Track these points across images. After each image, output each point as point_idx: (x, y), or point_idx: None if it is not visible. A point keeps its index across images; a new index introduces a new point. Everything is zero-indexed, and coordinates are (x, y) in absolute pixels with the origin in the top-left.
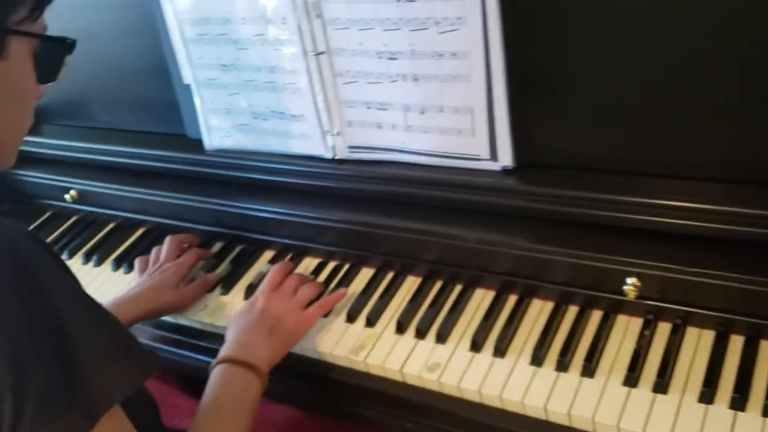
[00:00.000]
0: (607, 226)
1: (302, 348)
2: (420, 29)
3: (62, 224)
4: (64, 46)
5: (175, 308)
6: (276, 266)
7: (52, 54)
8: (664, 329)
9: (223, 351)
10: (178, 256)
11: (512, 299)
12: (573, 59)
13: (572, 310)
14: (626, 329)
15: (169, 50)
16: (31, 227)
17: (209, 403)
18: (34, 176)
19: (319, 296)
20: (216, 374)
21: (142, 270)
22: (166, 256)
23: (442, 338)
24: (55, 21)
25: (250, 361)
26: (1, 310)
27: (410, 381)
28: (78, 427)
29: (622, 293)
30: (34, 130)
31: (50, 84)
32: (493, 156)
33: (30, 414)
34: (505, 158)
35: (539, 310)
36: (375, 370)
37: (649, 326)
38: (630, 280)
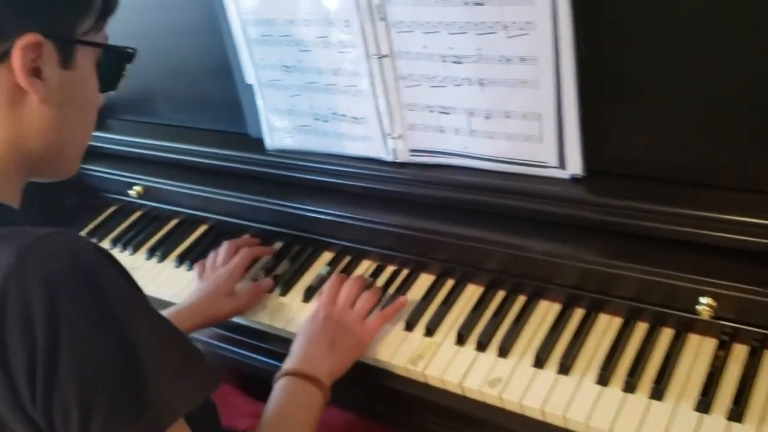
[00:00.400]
0: (680, 241)
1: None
2: (487, 33)
3: (127, 219)
4: (125, 55)
5: (229, 316)
6: (332, 278)
7: (114, 63)
8: (740, 352)
9: (287, 363)
10: None
11: (578, 313)
12: (646, 65)
13: (641, 327)
14: (699, 350)
15: (232, 50)
16: (97, 221)
17: (272, 415)
18: (100, 171)
19: (379, 301)
20: (280, 386)
21: (200, 275)
22: (222, 261)
23: (504, 352)
24: (121, 19)
25: (314, 375)
26: (70, 326)
27: (470, 395)
28: None
29: (695, 312)
30: (101, 125)
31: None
32: (562, 164)
33: (96, 429)
34: (574, 166)
35: (606, 325)
36: (433, 382)
37: (723, 347)
38: (704, 300)
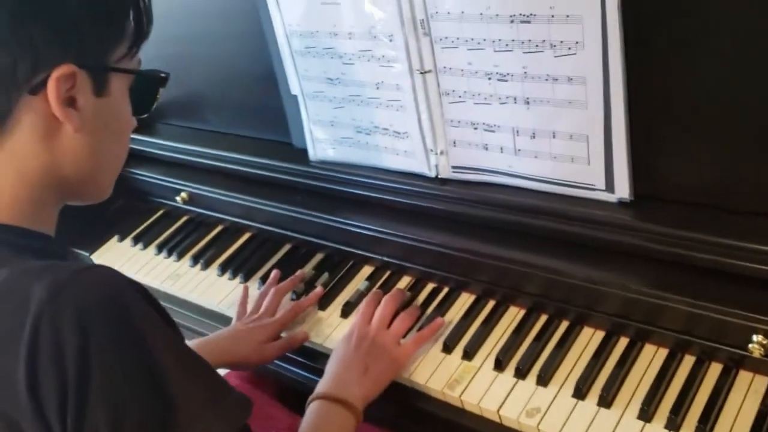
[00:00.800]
0: (733, 274)
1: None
2: (534, 52)
3: (174, 223)
4: (158, 79)
5: (254, 365)
6: (368, 297)
7: (147, 87)
8: None
9: (320, 386)
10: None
11: (623, 342)
12: (699, 86)
13: (688, 360)
14: (749, 388)
15: (277, 60)
16: (144, 225)
17: None
18: (148, 176)
19: (417, 320)
20: (312, 410)
21: (240, 316)
22: (266, 309)
23: (543, 381)
24: (171, 25)
25: (346, 399)
26: (101, 359)
27: (507, 423)
28: None
29: (746, 349)
30: (149, 130)
31: (172, 82)
32: (609, 187)
33: None
34: (623, 190)
35: (651, 356)
36: (470, 408)
37: None
38: (756, 338)
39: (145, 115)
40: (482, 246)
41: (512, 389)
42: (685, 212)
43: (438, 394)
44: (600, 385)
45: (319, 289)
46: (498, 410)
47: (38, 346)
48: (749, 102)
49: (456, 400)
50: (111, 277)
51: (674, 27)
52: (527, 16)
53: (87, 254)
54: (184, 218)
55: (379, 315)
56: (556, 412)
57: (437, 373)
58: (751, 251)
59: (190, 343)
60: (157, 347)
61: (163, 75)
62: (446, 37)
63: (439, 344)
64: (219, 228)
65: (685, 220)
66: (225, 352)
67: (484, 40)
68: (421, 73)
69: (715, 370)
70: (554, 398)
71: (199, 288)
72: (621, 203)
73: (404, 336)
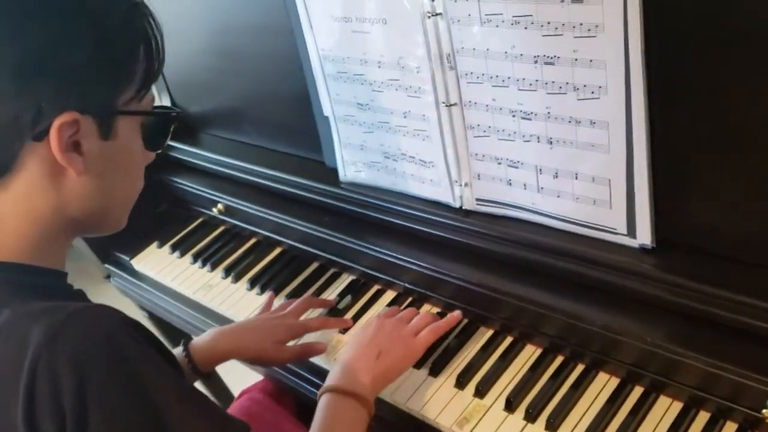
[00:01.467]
0: (754, 335)
1: (408, 406)
2: (557, 93)
3: (211, 233)
4: (169, 117)
5: (268, 362)
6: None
7: (159, 125)
8: None
9: (329, 379)
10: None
11: (637, 391)
12: (726, 130)
13: (703, 416)
14: None
15: (311, 81)
16: (183, 232)
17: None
18: (188, 185)
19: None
20: (322, 404)
21: (267, 307)
22: (292, 311)
23: (552, 426)
24: (207, 38)
25: (355, 390)
26: (98, 404)
27: None
28: None
29: (761, 413)
30: (193, 139)
31: (208, 94)
32: (631, 232)
33: None
34: (644, 236)
35: (665, 408)
36: None
37: None
38: None
39: (159, 151)
40: (502, 283)
41: None
42: (709, 264)
43: (447, 429)
44: None
45: (348, 321)
46: None
47: (36, 389)
48: None
49: None
50: (106, 317)
51: (699, 73)
52: (551, 58)
53: (127, 258)
54: (221, 228)
55: (405, 312)
56: None
57: (448, 408)
58: None
59: (213, 330)
60: (153, 385)
61: (173, 113)
62: (471, 72)
63: (453, 379)
64: (252, 241)
65: (707, 273)
66: (245, 340)
67: (509, 78)
68: (447, 105)
69: (729, 429)
70: None
71: (228, 301)
72: (643, 249)
73: None
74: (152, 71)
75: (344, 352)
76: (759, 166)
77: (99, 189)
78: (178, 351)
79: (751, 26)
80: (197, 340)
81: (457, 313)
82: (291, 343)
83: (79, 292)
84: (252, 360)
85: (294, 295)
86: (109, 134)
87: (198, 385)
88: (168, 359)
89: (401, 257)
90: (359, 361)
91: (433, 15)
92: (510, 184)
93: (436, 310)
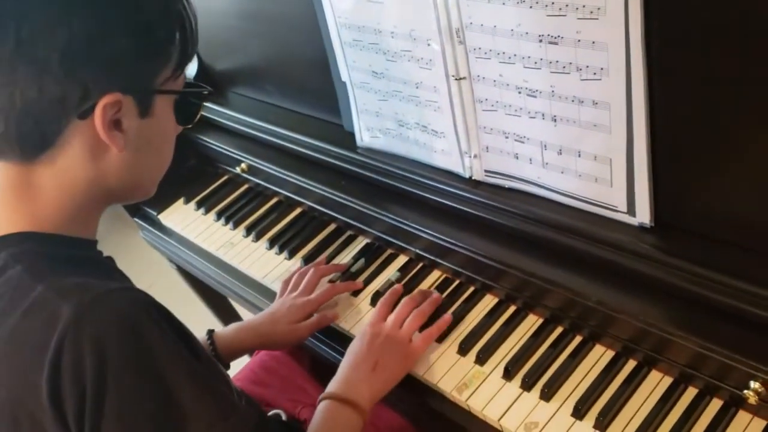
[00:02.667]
0: (746, 319)
1: (413, 369)
2: (561, 72)
3: (235, 191)
4: (201, 95)
5: (288, 345)
6: (386, 295)
7: (192, 102)
8: None
9: (330, 386)
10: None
11: (630, 364)
12: (730, 110)
13: (691, 392)
14: (746, 428)
15: (329, 46)
16: (208, 190)
17: None
18: (214, 144)
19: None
20: (321, 409)
21: (282, 293)
22: (304, 287)
23: (546, 396)
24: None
25: (353, 399)
26: (115, 378)
27: None
28: None
29: (742, 393)
30: (220, 98)
31: (232, 53)
32: (631, 210)
33: None
34: (644, 215)
35: (656, 383)
36: (475, 413)
37: None
38: (754, 384)
39: (190, 125)
40: (507, 255)
41: (516, 400)
42: (707, 247)
43: (447, 395)
44: (599, 407)
45: (358, 283)
46: (499, 419)
47: (61, 363)
48: None
49: (462, 403)
50: (130, 300)
51: (698, 54)
52: (555, 38)
53: (155, 213)
54: (245, 187)
55: (395, 315)
56: (553, 428)
57: (449, 374)
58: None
59: (234, 325)
60: (170, 368)
61: (205, 91)
62: (480, 48)
63: (456, 345)
64: (274, 200)
65: (704, 256)
66: (264, 336)
67: (515, 55)
68: (457, 79)
69: (715, 405)
70: (553, 415)
71: (248, 259)
72: (642, 228)
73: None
74: (187, 52)
75: (344, 361)
76: (756, 154)
77: (135, 163)
78: (201, 338)
79: (752, 8)
80: (221, 332)
81: (447, 316)
82: None
83: (108, 259)
84: (274, 348)
85: (311, 256)
86: (147, 112)
87: None
88: (186, 341)
89: (413, 225)
90: (357, 371)
91: None
92: (517, 157)
93: (444, 276)
